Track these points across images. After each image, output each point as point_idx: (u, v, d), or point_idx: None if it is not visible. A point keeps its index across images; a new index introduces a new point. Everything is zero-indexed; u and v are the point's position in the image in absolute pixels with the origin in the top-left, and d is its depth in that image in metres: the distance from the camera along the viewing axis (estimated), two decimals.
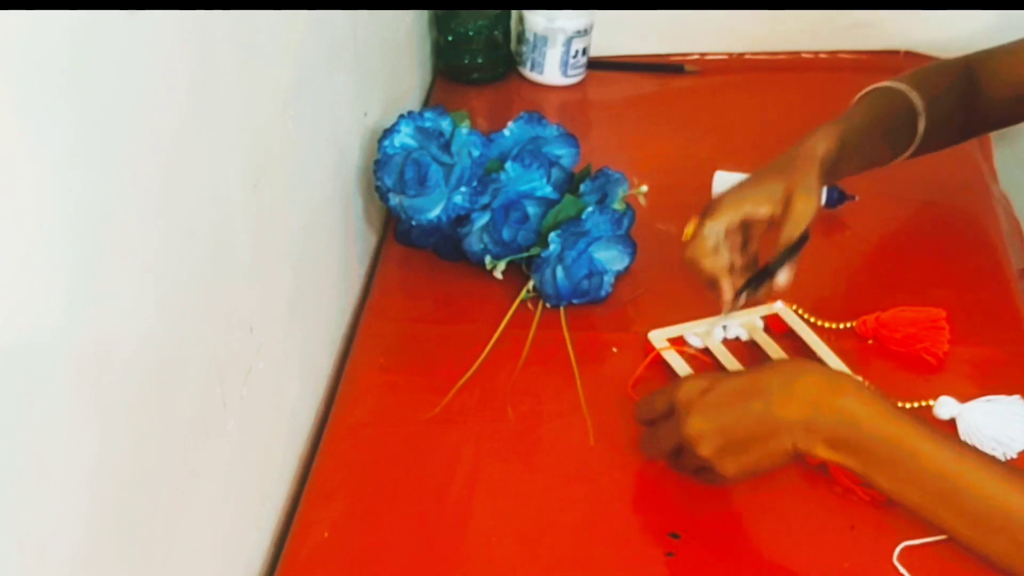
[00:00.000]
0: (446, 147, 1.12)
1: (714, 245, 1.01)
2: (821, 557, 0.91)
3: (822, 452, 0.84)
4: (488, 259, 1.13)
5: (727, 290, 1.02)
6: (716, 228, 1.00)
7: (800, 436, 0.84)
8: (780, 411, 0.84)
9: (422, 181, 1.10)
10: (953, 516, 0.81)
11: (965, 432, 0.99)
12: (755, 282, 1.03)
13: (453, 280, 1.17)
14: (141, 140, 0.66)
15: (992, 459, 0.84)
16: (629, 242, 1.13)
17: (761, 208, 1.01)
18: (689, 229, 1.02)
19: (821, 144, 1.03)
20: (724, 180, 1.27)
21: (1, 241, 0.52)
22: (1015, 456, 0.98)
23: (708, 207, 1.02)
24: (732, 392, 0.86)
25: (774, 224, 1.01)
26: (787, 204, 1.00)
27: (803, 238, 1.01)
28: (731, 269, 1.02)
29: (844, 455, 0.83)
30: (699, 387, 0.88)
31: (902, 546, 0.90)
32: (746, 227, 1.03)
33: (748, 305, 1.05)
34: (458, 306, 1.15)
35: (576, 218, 1.10)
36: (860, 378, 1.00)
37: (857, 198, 1.24)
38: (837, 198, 1.24)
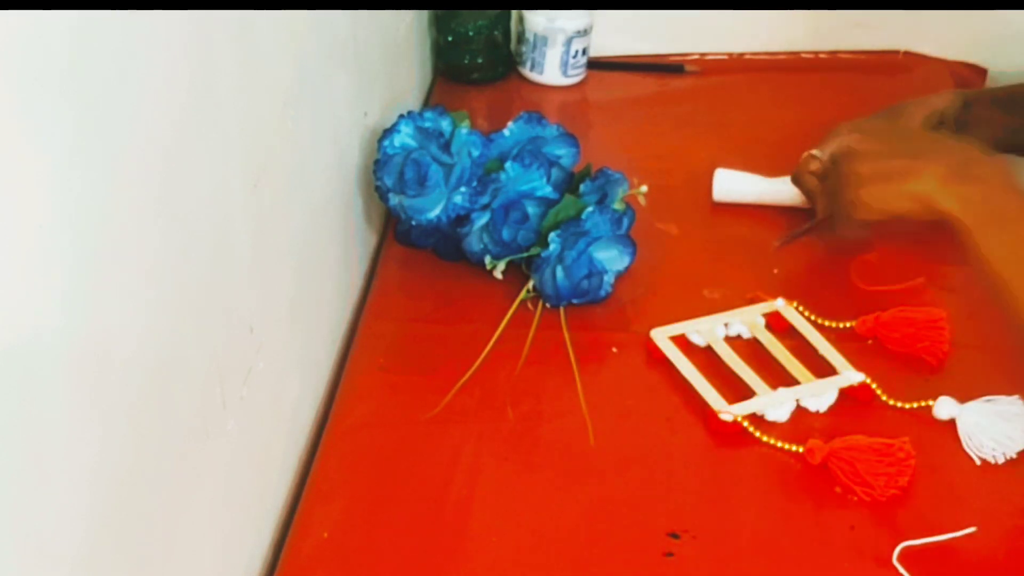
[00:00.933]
0: (446, 147, 1.12)
1: (818, 168, 1.11)
2: (821, 557, 0.91)
3: (947, 202, 0.94)
4: (488, 259, 1.13)
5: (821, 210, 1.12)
6: (821, 153, 1.11)
7: (937, 186, 0.95)
8: (927, 166, 0.96)
9: (422, 181, 1.10)
10: None
11: (965, 432, 0.99)
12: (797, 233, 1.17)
13: (453, 280, 1.17)
14: (141, 140, 0.66)
15: None
16: (629, 242, 1.13)
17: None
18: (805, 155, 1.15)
19: (941, 99, 1.14)
20: (724, 178, 1.27)
21: (1, 241, 0.52)
22: (1015, 456, 0.98)
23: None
24: (900, 136, 1.03)
25: None
26: None
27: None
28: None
29: (966, 207, 0.93)
30: (873, 126, 1.05)
31: (902, 546, 0.90)
32: None
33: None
34: (458, 306, 1.15)
35: (576, 218, 1.10)
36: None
37: None
38: None
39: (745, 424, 0.99)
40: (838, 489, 0.95)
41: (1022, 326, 0.87)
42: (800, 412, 1.01)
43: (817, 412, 1.02)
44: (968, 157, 0.97)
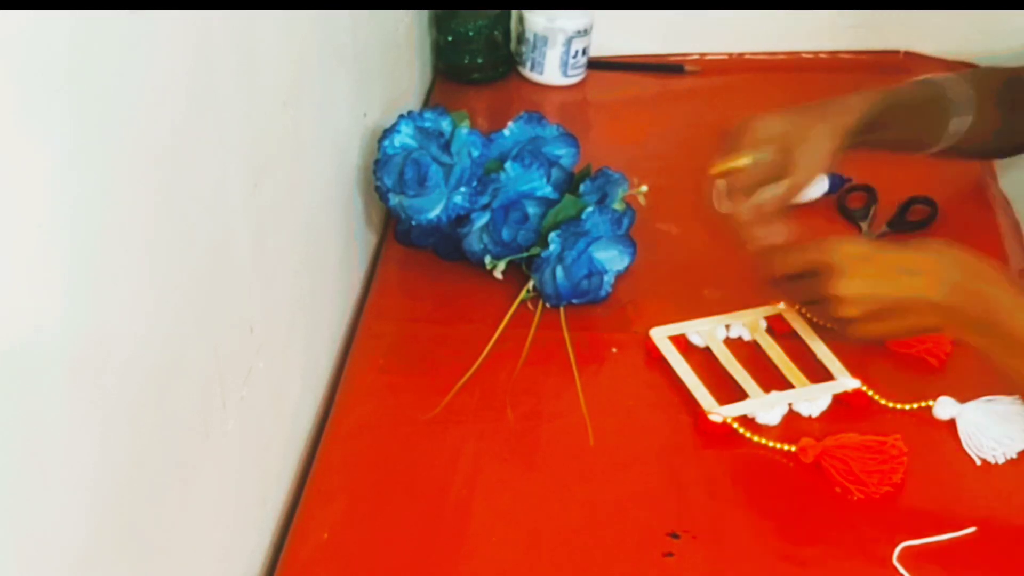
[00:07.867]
0: (446, 147, 1.12)
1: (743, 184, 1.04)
2: (821, 557, 0.91)
3: (963, 334, 0.92)
4: (488, 259, 1.13)
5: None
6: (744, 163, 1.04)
7: (944, 317, 0.91)
8: (930, 292, 0.90)
9: (422, 181, 1.10)
10: None
11: (965, 432, 0.99)
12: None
13: (453, 280, 1.17)
14: (141, 140, 0.65)
15: None
16: (629, 242, 1.13)
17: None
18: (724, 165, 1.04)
19: (861, 102, 1.07)
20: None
21: (1, 241, 0.52)
22: (1015, 456, 0.98)
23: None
24: (890, 265, 0.92)
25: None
26: (791, 153, 1.02)
27: None
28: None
29: (983, 339, 0.90)
30: (858, 252, 0.93)
31: (902, 546, 0.90)
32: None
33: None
34: (458, 306, 1.15)
35: (576, 218, 1.10)
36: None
37: (854, 180, 1.28)
38: (838, 183, 1.27)
39: (735, 426, 0.99)
40: (838, 489, 0.95)
41: None
42: (793, 416, 1.01)
43: (809, 417, 1.01)
44: (964, 284, 0.91)
